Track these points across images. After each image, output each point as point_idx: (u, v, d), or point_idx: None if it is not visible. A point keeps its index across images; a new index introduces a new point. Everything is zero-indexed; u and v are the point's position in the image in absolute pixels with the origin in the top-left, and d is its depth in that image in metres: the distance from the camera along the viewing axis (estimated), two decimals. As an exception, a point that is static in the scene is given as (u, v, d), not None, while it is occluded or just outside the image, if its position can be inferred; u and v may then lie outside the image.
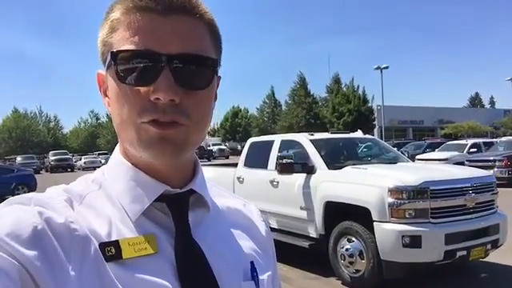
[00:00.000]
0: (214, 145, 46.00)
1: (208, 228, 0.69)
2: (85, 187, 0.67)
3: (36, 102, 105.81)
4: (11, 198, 0.60)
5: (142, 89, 0.59)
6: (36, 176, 17.60)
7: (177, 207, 0.66)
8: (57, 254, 0.54)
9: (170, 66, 0.59)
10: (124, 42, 0.60)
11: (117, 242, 0.60)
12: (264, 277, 0.72)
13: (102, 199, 0.65)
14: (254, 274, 0.69)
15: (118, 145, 0.70)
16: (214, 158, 37.05)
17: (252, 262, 0.71)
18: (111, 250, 0.59)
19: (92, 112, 67.89)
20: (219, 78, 0.69)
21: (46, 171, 38.01)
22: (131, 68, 0.59)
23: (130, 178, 0.66)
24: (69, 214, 0.59)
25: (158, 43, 0.59)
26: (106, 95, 0.67)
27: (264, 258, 0.75)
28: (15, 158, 38.41)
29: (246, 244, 0.73)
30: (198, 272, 0.63)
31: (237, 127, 56.24)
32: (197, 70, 0.61)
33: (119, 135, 0.66)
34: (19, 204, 0.58)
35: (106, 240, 0.60)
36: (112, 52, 0.61)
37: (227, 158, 37.69)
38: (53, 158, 37.97)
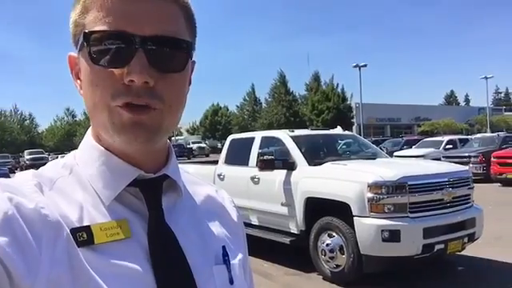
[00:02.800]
0: (193, 143, 45.70)
1: (181, 213, 0.70)
2: (55, 172, 0.65)
3: (10, 99, 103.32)
4: None
5: (116, 71, 0.59)
6: (11, 175, 17.20)
7: (150, 192, 0.66)
8: (28, 239, 0.53)
9: (144, 48, 0.58)
10: (97, 22, 0.59)
11: (88, 227, 0.59)
12: (235, 261, 0.72)
13: (73, 184, 0.64)
14: (225, 258, 0.70)
15: (90, 129, 0.69)
16: (194, 156, 36.78)
17: (224, 247, 0.72)
18: (83, 235, 0.58)
19: (68, 110, 66.61)
20: (194, 62, 0.69)
21: (21, 170, 36.92)
22: (104, 49, 0.59)
23: (102, 162, 0.65)
24: (39, 200, 0.58)
25: (132, 24, 0.58)
26: (77, 78, 0.66)
27: (235, 242, 0.76)
28: (-11, 158, 37.39)
29: (218, 229, 0.74)
30: (170, 256, 0.63)
31: (217, 125, 56.02)
32: (171, 53, 0.61)
33: (92, 119, 0.65)
34: None
35: (78, 225, 0.59)
36: (84, 32, 0.60)
37: (207, 156, 37.43)
38: (28, 157, 37.17)
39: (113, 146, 0.64)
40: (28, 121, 64.82)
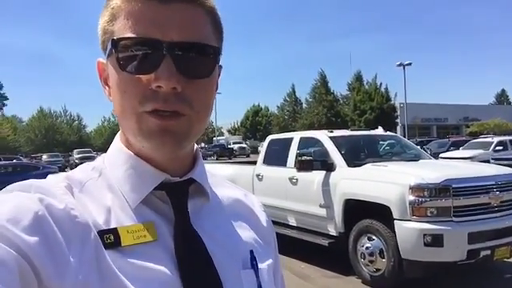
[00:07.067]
0: (234, 143, 46.09)
1: (207, 217, 0.69)
2: (85, 175, 0.67)
3: (60, 101, 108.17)
4: (11, 185, 0.60)
5: (144, 77, 0.59)
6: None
7: (176, 195, 0.66)
8: (57, 240, 0.54)
9: (172, 54, 0.58)
10: (125, 29, 0.60)
11: (115, 229, 0.60)
12: (264, 266, 0.71)
13: (102, 187, 0.65)
14: (253, 263, 0.69)
15: (119, 133, 0.70)
16: (235, 157, 37.09)
17: (251, 251, 0.70)
18: (110, 238, 0.59)
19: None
20: (220, 67, 0.69)
21: (71, 169, 38.45)
22: (132, 56, 0.59)
23: (129, 165, 0.66)
24: (69, 201, 0.59)
25: (159, 31, 0.59)
26: (106, 84, 0.67)
27: (264, 247, 0.74)
28: (41, 156, 39.29)
29: (246, 233, 0.73)
30: (197, 259, 0.63)
31: (257, 125, 56.23)
32: (198, 59, 0.61)
33: (120, 124, 0.66)
34: (19, 191, 0.58)
35: (105, 227, 0.60)
36: (113, 39, 0.60)
37: (248, 156, 37.64)
38: (77, 156, 38.73)
39: (141, 151, 0.65)
40: (77, 121, 67.62)
